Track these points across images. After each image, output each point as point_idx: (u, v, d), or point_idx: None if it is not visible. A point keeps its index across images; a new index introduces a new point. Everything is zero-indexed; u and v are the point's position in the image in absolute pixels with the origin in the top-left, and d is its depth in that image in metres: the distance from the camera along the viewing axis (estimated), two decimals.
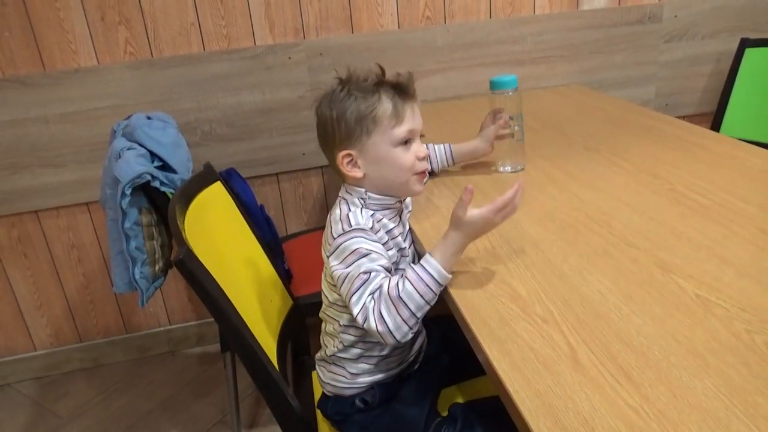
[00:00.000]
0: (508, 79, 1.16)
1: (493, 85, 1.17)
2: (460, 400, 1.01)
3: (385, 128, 0.86)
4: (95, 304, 1.90)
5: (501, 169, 1.23)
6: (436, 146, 1.24)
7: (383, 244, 0.86)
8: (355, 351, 0.95)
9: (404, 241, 0.95)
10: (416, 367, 1.02)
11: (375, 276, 0.80)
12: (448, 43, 1.82)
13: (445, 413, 0.97)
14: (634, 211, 0.99)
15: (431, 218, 1.05)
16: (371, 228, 0.85)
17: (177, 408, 1.73)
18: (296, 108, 1.78)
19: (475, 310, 0.76)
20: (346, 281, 0.82)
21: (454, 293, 0.80)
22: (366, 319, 0.79)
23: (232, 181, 1.40)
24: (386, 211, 0.91)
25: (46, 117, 1.64)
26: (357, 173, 0.88)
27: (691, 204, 1.00)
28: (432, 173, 1.24)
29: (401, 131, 0.87)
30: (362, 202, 0.89)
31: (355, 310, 0.80)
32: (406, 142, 0.88)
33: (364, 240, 0.83)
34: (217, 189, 1.18)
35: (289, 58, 1.73)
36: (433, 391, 0.99)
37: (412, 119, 0.88)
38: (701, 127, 1.41)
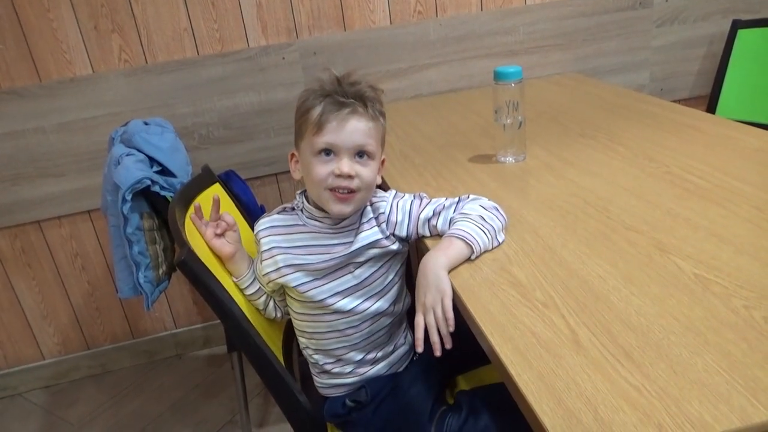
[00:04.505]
0: (513, 70, 1.15)
1: (497, 76, 1.17)
2: (465, 388, 1.02)
3: (309, 134, 0.87)
4: (101, 311, 1.91)
5: (502, 159, 1.24)
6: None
7: (268, 254, 0.93)
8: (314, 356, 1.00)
9: (328, 259, 0.90)
10: (406, 364, 1.02)
11: None
12: (441, 36, 1.83)
13: (451, 401, 0.98)
14: (631, 195, 1.00)
15: None
16: (260, 239, 0.95)
17: (186, 410, 1.74)
18: (292, 108, 1.73)
19: (476, 297, 0.77)
20: None
21: (455, 283, 0.81)
22: None
23: (232, 182, 1.41)
24: (317, 224, 0.92)
25: (43, 127, 1.65)
26: (296, 174, 0.93)
27: (687, 185, 1.00)
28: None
29: (319, 141, 0.85)
30: (300, 206, 0.94)
31: None
32: (328, 153, 0.86)
33: (257, 245, 0.97)
34: (216, 190, 1.19)
35: (283, 58, 1.74)
36: (437, 380, 1.00)
37: (335, 133, 0.85)
38: (696, 109, 1.42)
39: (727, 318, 0.66)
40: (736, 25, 1.86)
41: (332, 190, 0.86)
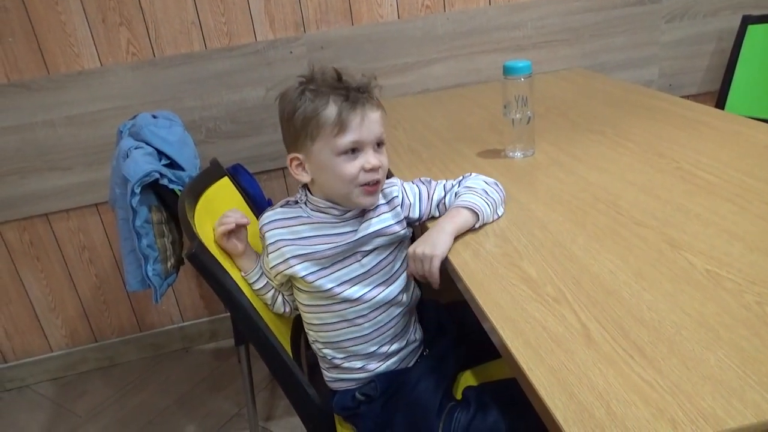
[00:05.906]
0: (522, 65, 1.15)
1: (507, 71, 1.16)
2: (474, 384, 1.02)
3: (327, 136, 0.85)
4: (108, 304, 1.92)
5: (511, 154, 1.23)
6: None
7: (274, 247, 0.93)
8: (326, 351, 1.00)
9: (333, 247, 0.91)
10: (416, 359, 1.02)
11: None
12: (449, 31, 1.82)
13: (459, 397, 0.98)
14: (640, 191, 0.99)
15: None
16: (264, 233, 0.94)
17: (193, 404, 1.75)
18: None
19: (487, 292, 0.77)
20: None
21: (465, 277, 0.81)
22: None
23: (239, 176, 1.41)
24: (321, 215, 0.92)
25: (52, 121, 1.66)
26: (304, 177, 0.91)
27: (697, 181, 1.00)
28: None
29: (344, 141, 0.85)
30: (303, 199, 0.94)
31: None
32: (353, 151, 0.86)
33: (262, 239, 0.96)
34: (225, 184, 1.19)
35: (291, 52, 1.73)
36: (446, 376, 1.00)
37: (359, 129, 0.85)
38: (705, 105, 1.41)
39: (739, 314, 0.66)
40: (746, 21, 1.85)
41: (363, 185, 0.87)
